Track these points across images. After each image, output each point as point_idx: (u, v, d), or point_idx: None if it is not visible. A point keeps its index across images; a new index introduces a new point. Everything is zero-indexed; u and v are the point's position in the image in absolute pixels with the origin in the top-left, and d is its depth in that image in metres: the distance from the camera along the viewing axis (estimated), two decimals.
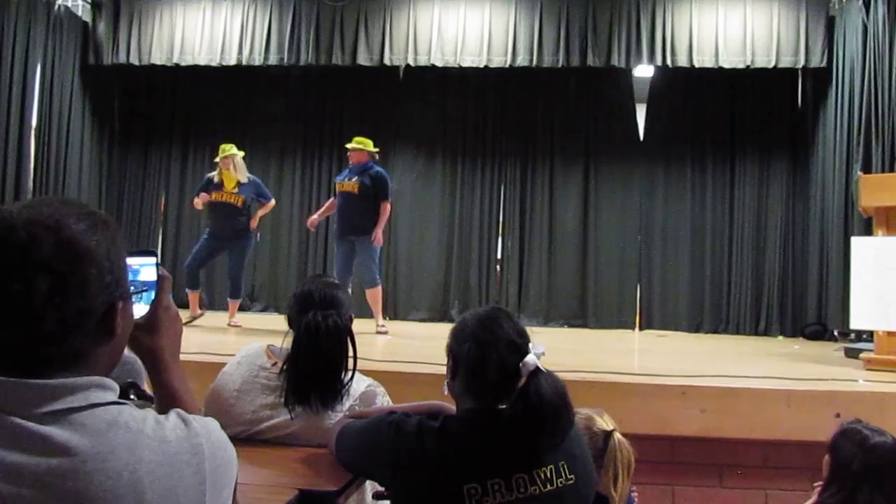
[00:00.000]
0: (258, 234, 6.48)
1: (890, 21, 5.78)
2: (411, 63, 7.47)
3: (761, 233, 7.77)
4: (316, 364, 1.93)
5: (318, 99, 8.44)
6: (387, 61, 7.45)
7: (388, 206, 5.94)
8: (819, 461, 2.29)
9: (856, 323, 4.67)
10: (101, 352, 0.95)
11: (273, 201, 6.28)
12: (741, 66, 7.04)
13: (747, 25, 6.98)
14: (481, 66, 7.39)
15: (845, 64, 6.53)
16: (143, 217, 8.54)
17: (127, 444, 0.88)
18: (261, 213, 6.20)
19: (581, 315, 7.92)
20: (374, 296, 5.96)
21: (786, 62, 7.01)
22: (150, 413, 0.95)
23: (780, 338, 7.36)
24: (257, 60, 7.52)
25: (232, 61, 7.54)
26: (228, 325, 6.01)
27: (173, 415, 0.97)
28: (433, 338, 5.25)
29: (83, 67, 7.84)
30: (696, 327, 7.76)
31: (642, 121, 8.15)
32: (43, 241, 0.87)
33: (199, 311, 6.04)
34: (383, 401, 2.06)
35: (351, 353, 1.98)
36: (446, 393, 1.68)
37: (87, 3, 7.90)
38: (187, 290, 6.08)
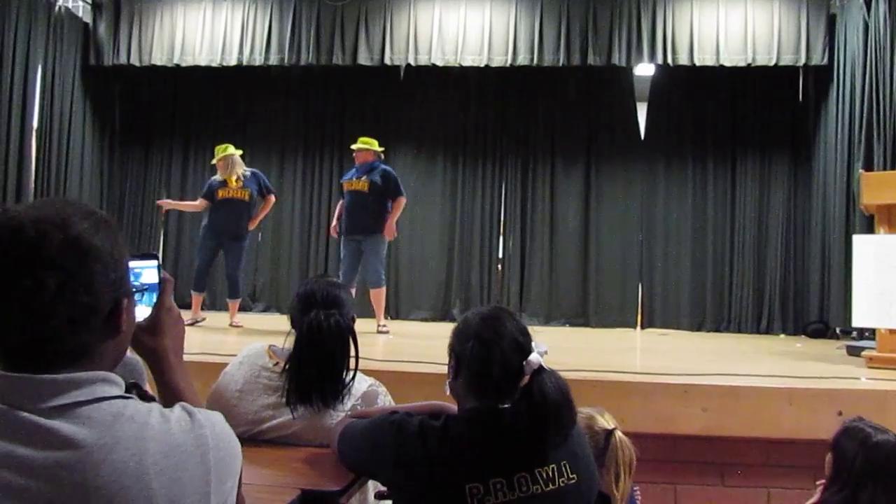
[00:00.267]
0: (259, 234, 6.48)
1: (891, 18, 5.77)
2: (412, 62, 7.47)
3: (763, 231, 7.77)
4: (318, 363, 1.93)
5: (318, 99, 8.44)
6: (387, 61, 7.45)
7: (404, 200, 6.00)
8: (821, 459, 2.29)
9: (857, 321, 4.66)
10: (107, 348, 0.97)
11: (273, 198, 6.29)
12: (742, 64, 7.03)
13: (748, 23, 6.98)
14: (482, 65, 7.39)
15: (846, 62, 6.52)
16: (144, 218, 8.54)
17: (133, 436, 0.89)
18: (262, 214, 6.21)
19: (582, 314, 7.91)
20: (378, 296, 5.97)
21: (787, 60, 7.00)
22: (154, 406, 0.97)
23: (782, 336, 7.35)
24: (258, 61, 7.52)
25: (232, 62, 7.54)
26: (230, 325, 6.01)
27: (178, 408, 0.99)
28: (435, 337, 5.25)
29: (84, 68, 7.85)
30: (697, 326, 7.75)
31: (643, 119, 8.14)
32: (51, 238, 0.89)
33: (200, 315, 6.03)
34: (385, 400, 2.06)
35: (353, 353, 1.98)
36: (448, 393, 1.68)
37: (88, 4, 7.91)
38: (192, 291, 6.08)
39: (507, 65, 7.34)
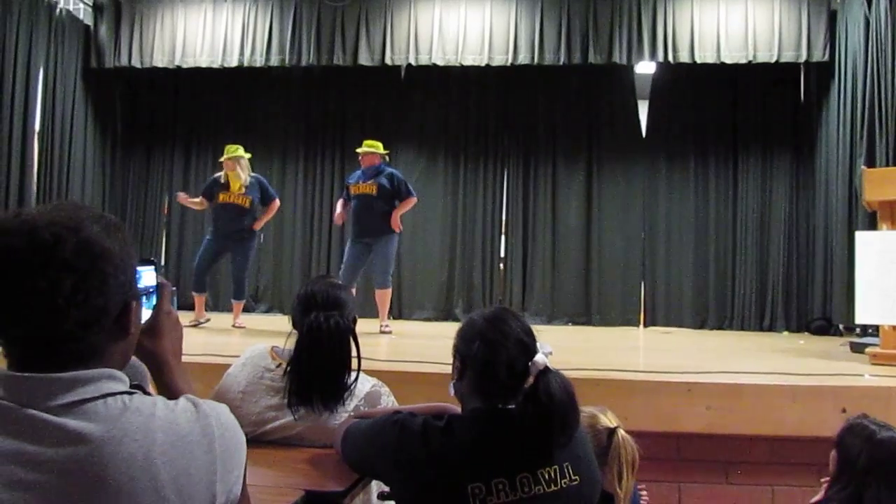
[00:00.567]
0: (261, 236, 6.48)
1: (892, 14, 5.75)
2: (412, 62, 7.47)
3: (765, 228, 7.76)
4: (318, 365, 1.93)
5: (319, 99, 8.44)
6: (388, 61, 7.45)
7: (414, 200, 6.04)
8: (825, 456, 2.28)
9: (861, 318, 4.65)
10: (116, 349, 1.00)
11: (277, 202, 6.27)
12: (743, 61, 7.02)
13: (749, 20, 6.97)
14: (482, 64, 7.39)
15: (848, 58, 6.51)
16: (146, 219, 8.56)
17: (140, 427, 0.91)
18: (266, 217, 6.20)
19: (585, 313, 7.91)
20: (384, 297, 5.98)
21: (788, 57, 6.99)
22: (159, 398, 0.99)
23: (786, 333, 7.34)
24: (259, 62, 7.53)
25: (233, 63, 7.55)
26: (233, 326, 6.01)
27: (182, 399, 1.01)
28: (437, 337, 5.26)
29: (85, 70, 7.86)
30: (700, 324, 7.74)
31: (644, 117, 8.14)
32: (66, 241, 0.91)
33: (204, 316, 6.03)
34: (388, 401, 2.06)
35: (355, 353, 1.98)
36: (452, 394, 1.68)
37: (89, 6, 7.92)
38: (193, 293, 6.07)
39: (508, 64, 7.34)
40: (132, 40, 7.75)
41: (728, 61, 7.02)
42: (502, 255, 8.20)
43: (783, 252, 7.65)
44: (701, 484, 3.50)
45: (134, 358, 1.19)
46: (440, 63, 7.40)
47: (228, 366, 2.12)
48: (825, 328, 6.93)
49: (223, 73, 7.83)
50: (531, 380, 1.50)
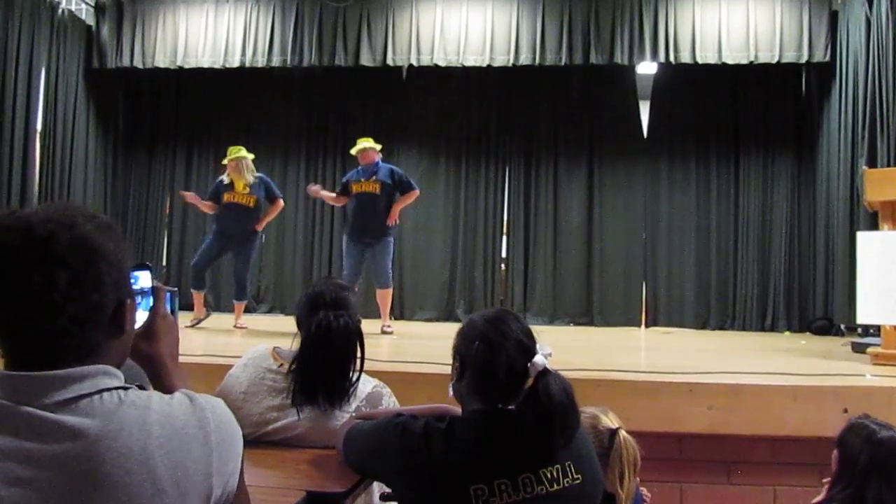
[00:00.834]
0: (263, 236, 6.48)
1: (893, 15, 5.75)
2: (414, 63, 7.48)
3: (766, 228, 7.76)
4: (326, 364, 1.94)
5: (321, 100, 8.45)
6: (389, 62, 7.46)
7: (417, 193, 6.04)
8: (827, 456, 2.28)
9: (862, 318, 4.65)
10: (112, 347, 1.01)
11: (281, 202, 6.27)
12: (744, 61, 7.02)
13: (750, 21, 6.97)
14: (484, 65, 7.39)
15: (849, 58, 6.51)
16: (147, 220, 8.57)
17: (136, 421, 0.92)
18: (269, 217, 6.20)
19: (587, 313, 7.91)
20: (385, 296, 5.98)
21: (789, 57, 6.99)
22: (155, 393, 1.00)
23: (787, 333, 7.34)
24: (260, 62, 7.54)
25: (235, 63, 7.56)
26: (234, 326, 6.01)
27: (178, 393, 1.02)
28: (439, 337, 5.26)
29: (87, 71, 7.87)
30: (702, 324, 7.74)
31: (646, 118, 8.14)
32: (60, 237, 0.92)
33: (204, 312, 6.03)
34: (389, 402, 2.06)
35: (359, 354, 1.98)
36: (451, 395, 1.68)
37: (91, 6, 7.93)
38: (192, 290, 6.06)
39: (510, 64, 7.34)
40: (134, 41, 7.77)
41: (729, 62, 7.03)
42: (504, 255, 8.20)
43: (784, 252, 7.65)
44: (702, 484, 3.50)
45: (132, 361, 1.20)
46: (441, 63, 7.40)
47: (230, 366, 2.12)
48: (827, 328, 6.93)
49: (225, 73, 7.83)
50: (531, 381, 1.50)
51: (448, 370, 1.70)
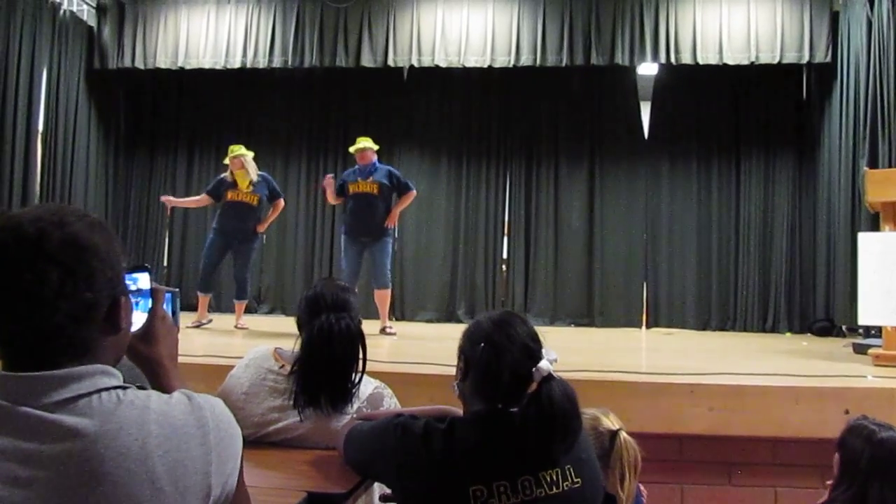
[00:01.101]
0: (264, 237, 6.48)
1: (894, 15, 5.76)
2: (415, 64, 7.48)
3: (768, 229, 7.75)
4: (328, 366, 1.93)
5: (322, 101, 8.45)
6: (391, 62, 7.46)
7: (415, 193, 6.04)
8: (828, 458, 2.28)
9: (864, 319, 4.65)
10: (108, 345, 1.00)
11: (282, 202, 6.29)
12: (745, 62, 7.02)
13: (751, 21, 6.96)
14: (485, 65, 7.39)
15: (850, 59, 6.51)
16: (148, 220, 8.57)
17: (135, 420, 0.92)
18: (271, 217, 6.21)
19: (588, 314, 7.91)
20: (384, 297, 5.96)
21: (790, 58, 6.98)
22: (153, 392, 1.00)
23: (788, 334, 7.33)
24: (262, 63, 7.55)
25: (236, 64, 7.57)
26: (235, 327, 6.01)
27: (177, 392, 1.02)
28: (440, 338, 5.26)
29: (89, 72, 7.88)
30: (703, 325, 7.74)
31: (647, 119, 8.14)
32: (50, 234, 0.92)
33: (207, 317, 6.03)
34: (390, 403, 2.06)
35: (360, 356, 1.98)
36: (455, 394, 1.68)
37: (92, 7, 7.94)
38: (199, 293, 6.07)
39: (511, 65, 7.34)
40: (135, 41, 7.78)
41: (730, 62, 7.02)
42: (505, 256, 8.20)
43: (786, 253, 7.64)
44: (703, 485, 3.49)
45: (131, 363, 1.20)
46: (443, 64, 7.41)
47: (231, 367, 2.12)
48: (828, 329, 6.93)
49: (226, 74, 7.84)
50: (534, 386, 1.50)
51: (449, 371, 1.71)
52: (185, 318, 5.42)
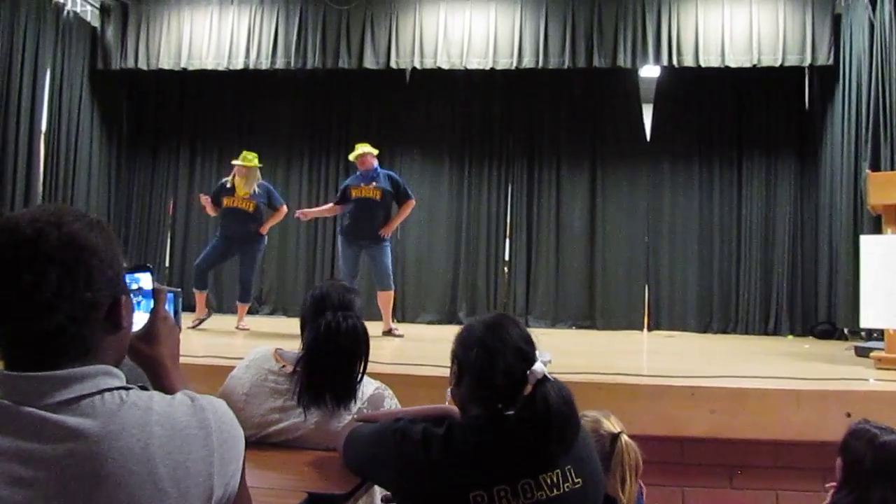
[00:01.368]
0: (266, 239, 6.49)
1: None
2: (417, 66, 7.48)
3: (770, 232, 7.75)
4: (333, 364, 1.94)
5: (324, 102, 8.45)
6: (393, 64, 7.46)
7: (413, 203, 6.05)
8: (830, 461, 2.28)
9: (866, 322, 4.64)
10: (109, 344, 1.00)
11: (284, 208, 6.28)
12: (747, 65, 7.01)
13: (753, 24, 6.96)
14: (487, 67, 7.39)
15: (852, 62, 6.50)
16: (151, 221, 8.58)
17: (137, 422, 0.92)
18: (272, 222, 6.22)
19: (589, 316, 7.90)
20: (387, 299, 5.97)
21: (792, 60, 6.98)
22: (156, 393, 1.00)
23: (790, 337, 7.33)
24: (264, 64, 7.55)
25: (239, 65, 7.57)
26: (237, 328, 6.02)
27: (180, 394, 1.02)
28: (441, 340, 5.23)
29: (92, 72, 7.89)
30: (704, 327, 7.73)
31: (649, 121, 8.13)
32: (48, 235, 0.92)
33: (205, 312, 6.04)
34: (391, 403, 2.06)
35: (364, 355, 1.98)
36: (449, 400, 1.68)
37: (96, 8, 7.95)
38: (195, 290, 6.08)
39: (513, 67, 7.34)
40: (138, 42, 7.78)
41: (732, 65, 7.02)
42: (506, 258, 8.20)
43: (787, 256, 7.63)
44: (704, 488, 3.49)
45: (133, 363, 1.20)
46: (445, 66, 7.41)
47: (232, 368, 2.12)
48: (830, 332, 6.92)
49: (229, 75, 7.85)
50: (529, 388, 1.49)
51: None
52: (186, 319, 5.42)
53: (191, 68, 7.71)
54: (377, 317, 6.03)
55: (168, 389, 1.18)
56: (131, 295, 1.07)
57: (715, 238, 7.88)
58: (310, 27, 7.51)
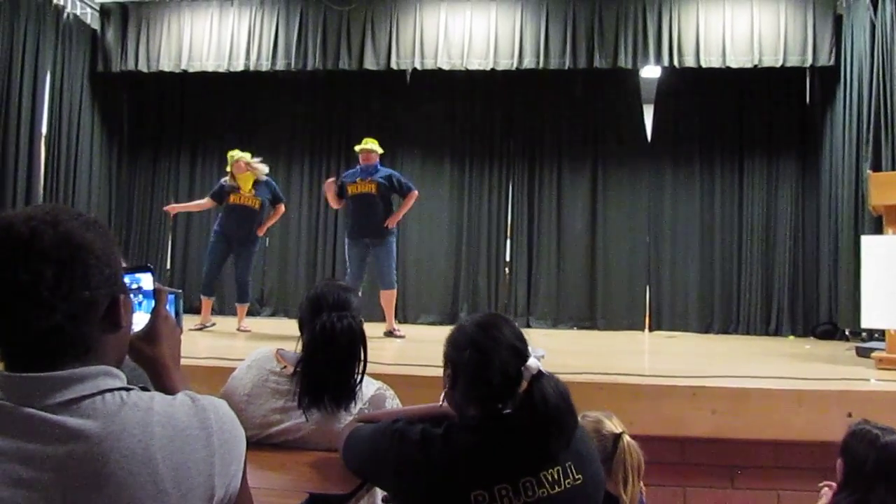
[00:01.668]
0: (266, 239, 6.50)
1: None
2: (418, 67, 7.47)
3: (771, 233, 7.74)
4: (330, 364, 1.94)
5: (325, 104, 8.46)
6: (393, 65, 7.46)
7: (416, 194, 6.03)
8: (831, 461, 2.28)
9: (867, 322, 4.64)
10: (108, 344, 1.00)
11: (283, 206, 6.32)
12: (749, 65, 7.01)
13: (754, 25, 6.96)
14: (488, 68, 7.39)
15: (853, 62, 6.49)
16: (152, 222, 8.58)
17: (138, 422, 0.92)
18: (271, 221, 6.23)
19: (590, 317, 7.90)
20: (390, 298, 5.96)
21: (793, 61, 6.97)
22: (157, 394, 1.00)
23: (791, 338, 7.32)
24: (265, 66, 7.55)
25: (240, 67, 7.57)
26: (237, 329, 6.02)
27: (181, 394, 1.02)
28: (442, 341, 5.24)
29: (92, 75, 7.90)
30: (706, 328, 7.73)
31: (650, 122, 8.13)
32: (43, 233, 0.92)
33: (210, 320, 6.05)
34: (392, 404, 2.06)
35: (362, 354, 1.98)
36: (444, 404, 1.67)
37: (96, 10, 7.96)
38: (202, 296, 6.09)
39: (514, 68, 7.34)
40: (139, 44, 7.79)
41: (733, 66, 7.01)
42: (507, 259, 8.20)
43: (789, 256, 7.63)
44: (706, 488, 3.49)
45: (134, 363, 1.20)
46: (445, 67, 7.41)
47: (233, 369, 2.12)
48: (831, 333, 6.92)
49: (229, 77, 7.85)
50: (525, 385, 1.49)
51: None
52: (188, 321, 5.42)
53: (191, 70, 7.71)
54: (379, 317, 6.03)
55: (169, 390, 1.18)
56: (132, 295, 1.07)
57: (716, 238, 7.87)
58: (310, 28, 7.51)
